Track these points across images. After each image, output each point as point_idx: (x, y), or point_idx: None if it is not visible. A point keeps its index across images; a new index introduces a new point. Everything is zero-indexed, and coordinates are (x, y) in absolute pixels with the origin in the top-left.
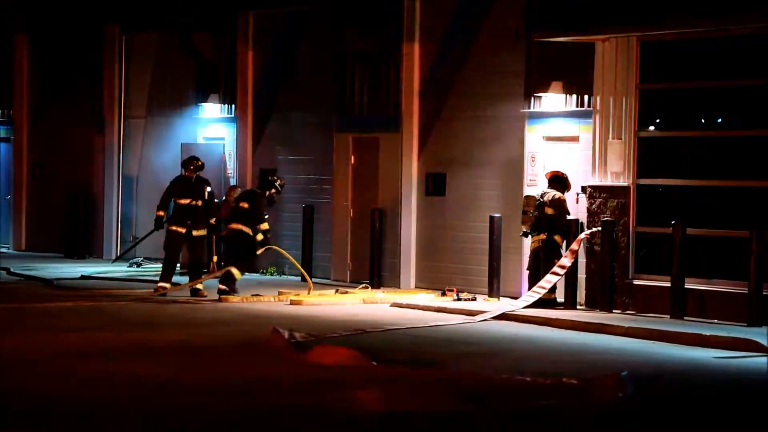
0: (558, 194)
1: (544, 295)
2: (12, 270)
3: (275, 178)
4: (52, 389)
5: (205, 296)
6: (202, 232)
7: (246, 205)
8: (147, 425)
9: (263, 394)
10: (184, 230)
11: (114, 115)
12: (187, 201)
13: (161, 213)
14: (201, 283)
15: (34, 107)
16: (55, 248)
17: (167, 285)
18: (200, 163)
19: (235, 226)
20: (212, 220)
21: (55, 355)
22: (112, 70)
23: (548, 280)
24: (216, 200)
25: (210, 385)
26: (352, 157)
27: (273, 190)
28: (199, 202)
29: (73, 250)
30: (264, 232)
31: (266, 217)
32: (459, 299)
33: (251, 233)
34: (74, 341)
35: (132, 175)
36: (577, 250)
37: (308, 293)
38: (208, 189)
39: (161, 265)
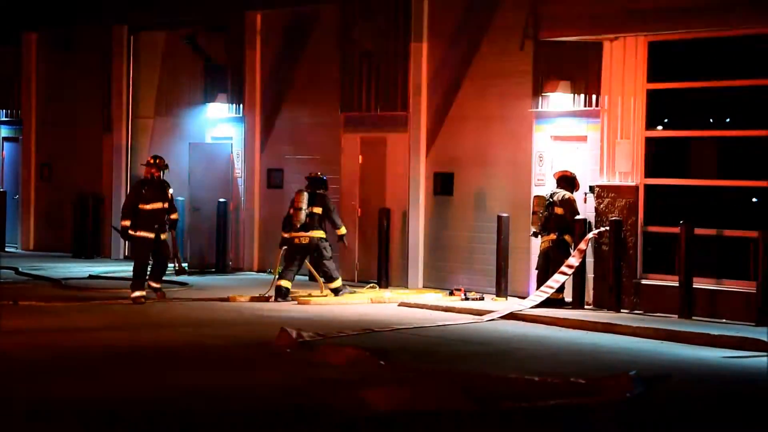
0: (568, 194)
1: (552, 294)
2: (20, 270)
3: (320, 175)
4: (58, 389)
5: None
6: (167, 235)
7: (320, 211)
8: (147, 425)
9: (271, 393)
10: (153, 235)
11: (122, 114)
12: (155, 206)
13: (128, 222)
14: (161, 284)
15: (41, 107)
16: (63, 248)
17: (143, 292)
18: (166, 162)
19: (315, 233)
20: (174, 216)
21: (63, 356)
22: (120, 69)
23: (556, 280)
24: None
25: (217, 385)
26: (360, 157)
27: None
28: (166, 205)
29: (81, 250)
30: (341, 237)
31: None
32: (467, 299)
33: (326, 237)
34: (82, 342)
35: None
36: (585, 250)
37: (321, 292)
38: (171, 190)
39: (132, 273)
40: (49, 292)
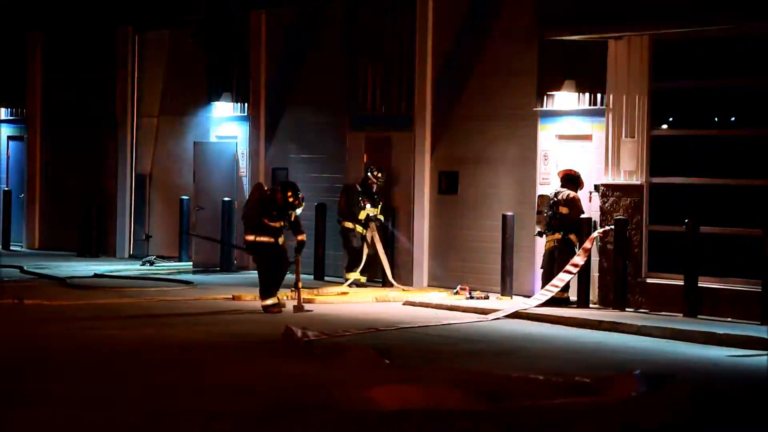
0: (572, 193)
1: (556, 293)
2: (25, 268)
3: (372, 168)
4: (59, 387)
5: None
6: (283, 239)
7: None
8: (153, 422)
9: (276, 391)
10: (273, 240)
11: (127, 113)
12: (275, 225)
13: (253, 237)
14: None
15: (47, 106)
16: (68, 247)
17: (274, 299)
18: (297, 202)
19: (346, 223)
20: (301, 237)
21: (74, 353)
22: (125, 68)
23: (561, 279)
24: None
25: (222, 384)
26: (365, 156)
27: (369, 180)
28: (284, 224)
29: (86, 249)
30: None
31: (358, 210)
32: (472, 298)
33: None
34: (92, 339)
35: (145, 174)
36: (590, 249)
37: (396, 286)
38: (296, 214)
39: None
40: (54, 290)
